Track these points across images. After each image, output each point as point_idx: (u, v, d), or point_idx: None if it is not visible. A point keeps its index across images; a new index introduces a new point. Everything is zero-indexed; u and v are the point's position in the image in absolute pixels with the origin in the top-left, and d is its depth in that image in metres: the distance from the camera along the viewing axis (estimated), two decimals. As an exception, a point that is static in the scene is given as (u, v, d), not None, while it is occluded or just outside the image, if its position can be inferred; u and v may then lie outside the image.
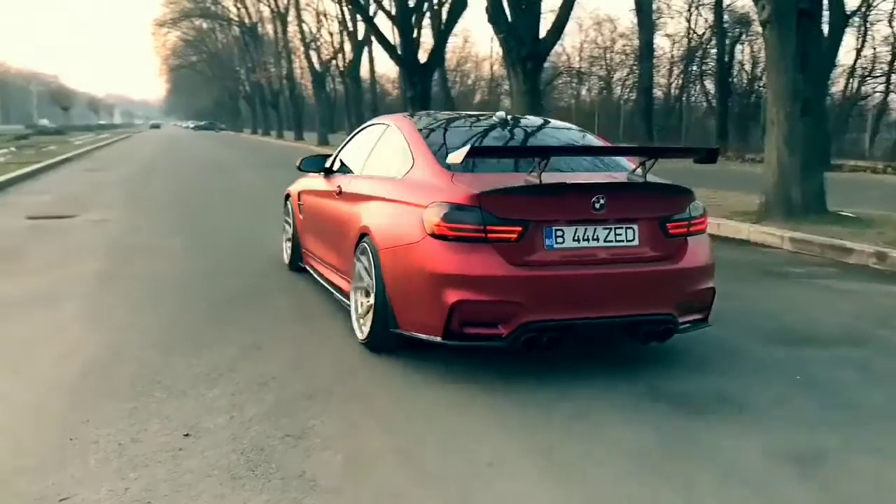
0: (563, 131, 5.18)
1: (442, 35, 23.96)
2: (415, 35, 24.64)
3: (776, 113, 9.34)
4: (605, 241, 3.84)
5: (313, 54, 43.89)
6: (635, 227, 3.90)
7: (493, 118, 5.07)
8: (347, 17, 35.55)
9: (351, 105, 39.70)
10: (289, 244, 6.57)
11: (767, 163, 9.67)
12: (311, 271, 5.87)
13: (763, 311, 5.37)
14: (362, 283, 4.38)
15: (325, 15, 41.45)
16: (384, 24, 27.42)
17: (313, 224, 5.84)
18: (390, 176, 4.52)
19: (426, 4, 26.44)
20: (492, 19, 15.78)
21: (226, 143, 44.98)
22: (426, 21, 27.55)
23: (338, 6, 35.96)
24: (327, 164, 5.72)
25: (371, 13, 28.24)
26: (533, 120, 5.56)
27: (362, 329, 4.30)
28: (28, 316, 4.87)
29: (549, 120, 5.61)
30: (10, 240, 8.02)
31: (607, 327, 3.95)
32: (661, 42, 54.71)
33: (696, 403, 3.50)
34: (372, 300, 4.17)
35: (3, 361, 3.96)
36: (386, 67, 69.52)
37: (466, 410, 3.39)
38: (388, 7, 26.00)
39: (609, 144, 5.32)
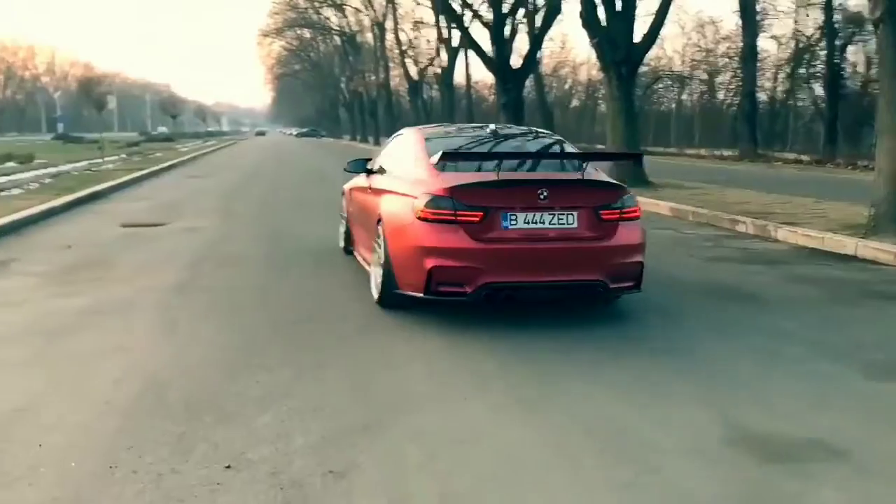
0: (536, 140, 6.46)
1: (536, 40, 23.65)
2: (508, 40, 24.41)
3: (888, 119, 8.65)
4: (549, 224, 5.02)
5: (409, 62, 44.27)
6: (575, 213, 5.04)
7: (487, 129, 6.31)
8: (443, 24, 35.69)
9: (445, 112, 39.77)
10: (343, 231, 7.97)
11: (878, 172, 8.96)
12: (355, 253, 7.08)
13: (869, 339, 4.88)
14: (379, 258, 5.52)
15: (422, 22, 41.74)
16: (479, 31, 27.35)
17: (355, 214, 7.17)
18: (401, 174, 5.83)
19: (522, 10, 26.20)
20: (585, 24, 15.44)
21: (325, 150, 45.88)
22: (522, 26, 27.32)
23: (433, 14, 36.19)
24: (368, 166, 6.86)
25: (466, 21, 28.24)
26: (516, 130, 7.27)
27: (375, 293, 5.60)
28: (101, 328, 4.91)
29: (534, 129, 7.37)
30: (101, 248, 8.24)
31: (550, 289, 5.21)
32: (766, 44, 52.66)
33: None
34: (378, 272, 5.52)
35: (65, 379, 3.96)
36: (483, 73, 69.41)
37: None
38: (483, 14, 25.90)
39: (578, 151, 6.28)
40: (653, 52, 38.66)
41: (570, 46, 58.05)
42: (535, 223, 5.00)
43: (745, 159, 28.14)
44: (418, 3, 40.40)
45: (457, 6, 29.17)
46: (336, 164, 25.01)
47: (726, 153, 31.58)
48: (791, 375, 4.12)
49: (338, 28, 58.79)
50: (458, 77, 62.50)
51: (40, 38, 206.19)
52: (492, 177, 5.03)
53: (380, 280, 5.48)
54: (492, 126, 6.40)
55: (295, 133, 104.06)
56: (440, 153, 5.17)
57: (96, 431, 3.26)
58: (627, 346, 4.65)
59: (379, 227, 5.60)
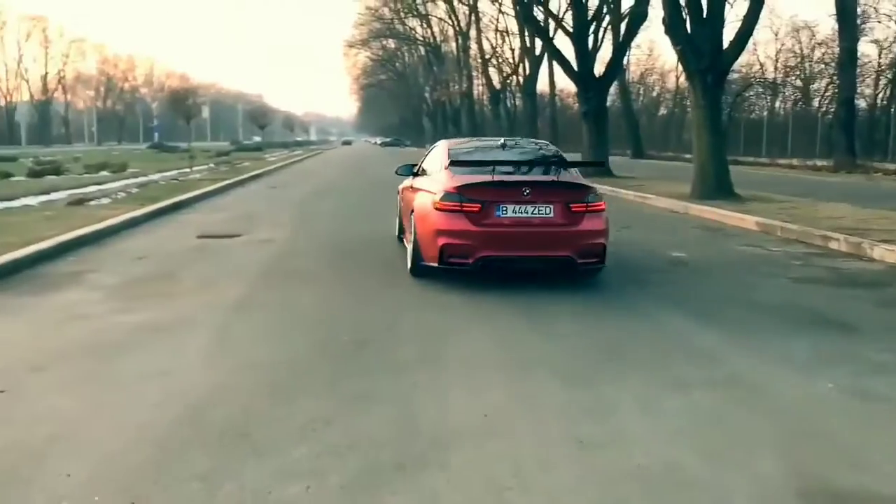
0: (533, 150, 8.31)
1: (619, 49, 23.11)
2: (592, 49, 23.94)
3: None
4: (532, 213, 6.68)
5: (492, 71, 44.14)
6: (551, 206, 6.71)
7: (498, 142, 8.22)
8: (525, 32, 35.38)
9: (525, 120, 39.43)
10: (397, 223, 9.77)
11: None
12: (403, 240, 8.65)
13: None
14: (411, 240, 7.36)
15: (506, 32, 41.56)
16: (563, 39, 26.97)
17: (402, 208, 9.01)
18: (430, 175, 7.68)
19: (607, 18, 25.69)
20: (669, 31, 14.92)
21: (405, 160, 45.97)
22: (607, 34, 26.79)
23: (517, 23, 36.00)
24: (414, 170, 8.54)
25: (550, 31, 27.93)
26: (521, 141, 8.97)
27: (408, 265, 7.42)
28: (153, 348, 4.87)
29: (536, 141, 9.33)
30: (174, 260, 8.33)
31: (531, 261, 6.88)
32: (866, 49, 50.11)
33: None
34: (410, 249, 7.42)
35: (106, 403, 3.90)
36: (567, 81, 68.63)
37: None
38: (566, 23, 25.53)
39: (558, 160, 7.65)
40: (744, 59, 37.43)
41: (658, 53, 56.73)
42: (521, 213, 6.70)
43: (840, 170, 26.74)
44: (502, 12, 40.27)
45: (540, 15, 28.97)
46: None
47: (820, 164, 30.11)
48: (887, 423, 3.71)
49: (422, 38, 59.22)
50: (543, 85, 62.29)
51: (140, 50, 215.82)
52: (489, 178, 6.76)
53: (410, 255, 7.36)
54: (502, 139, 8.42)
55: (379, 142, 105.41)
56: (449, 160, 7.20)
57: (126, 462, 3.16)
58: (694, 376, 4.31)
59: (412, 216, 7.42)
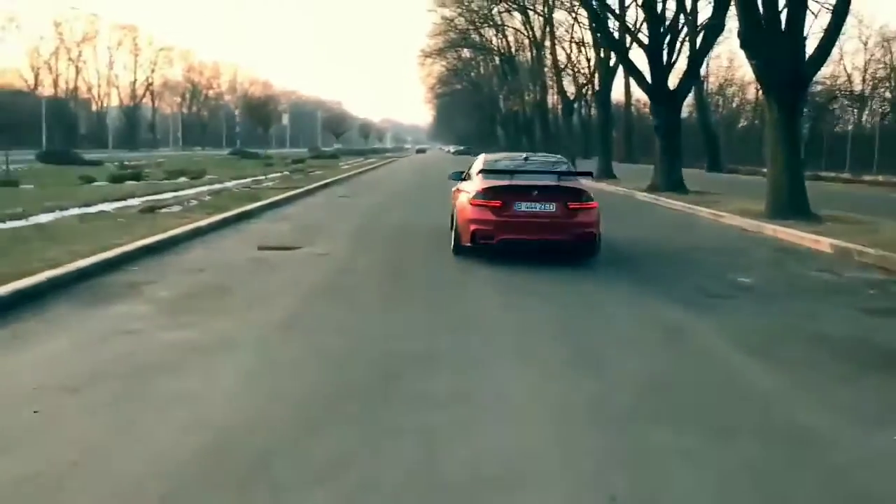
0: (547, 162, 10.75)
1: (694, 62, 22.52)
2: (666, 62, 23.40)
3: None
4: (539, 209, 9.02)
5: (566, 81, 43.75)
6: (554, 204, 9.03)
7: (522, 156, 11.16)
8: (601, 42, 34.87)
9: (599, 130, 38.86)
10: (450, 220, 11.03)
11: None
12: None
13: None
14: (452, 228, 10.07)
15: (582, 43, 41.10)
16: (638, 50, 26.47)
17: (452, 206, 10.90)
18: (471, 179, 10.16)
19: (684, 30, 25.09)
20: (744, 44, 14.43)
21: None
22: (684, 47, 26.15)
23: (590, 34, 35.54)
24: (462, 176, 11.07)
25: (626, 42, 27.46)
26: (539, 156, 11.62)
27: (451, 246, 9.87)
28: (192, 369, 4.88)
29: (552, 155, 11.85)
30: (230, 273, 8.42)
31: (536, 243, 9.16)
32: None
33: None
34: (453, 234, 9.92)
35: (134, 427, 3.89)
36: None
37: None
38: (643, 33, 25.05)
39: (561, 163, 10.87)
40: (829, 70, 36.04)
41: (739, 64, 55.13)
42: (531, 208, 9.13)
43: (932, 188, 25.43)
44: (577, 22, 39.85)
45: (613, 25, 28.52)
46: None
47: (909, 180, 28.69)
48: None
49: (496, 48, 59.15)
50: (619, 95, 61.37)
51: (225, 57, 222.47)
52: (507, 183, 9.30)
53: (452, 239, 10.06)
54: (525, 154, 11.54)
55: (452, 150, 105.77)
56: (480, 169, 10.09)
57: (142, 495, 3.13)
58: (743, 422, 4.05)
59: (454, 211, 10.36)
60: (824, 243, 11.27)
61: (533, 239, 9.15)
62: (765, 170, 15.66)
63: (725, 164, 41.30)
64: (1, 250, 8.61)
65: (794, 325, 6.53)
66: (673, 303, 7.21)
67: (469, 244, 9.31)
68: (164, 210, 14.43)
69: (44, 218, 12.68)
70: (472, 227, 9.16)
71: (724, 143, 45.12)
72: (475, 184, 9.61)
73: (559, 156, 11.83)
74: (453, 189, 11.24)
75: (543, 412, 4.21)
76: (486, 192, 9.16)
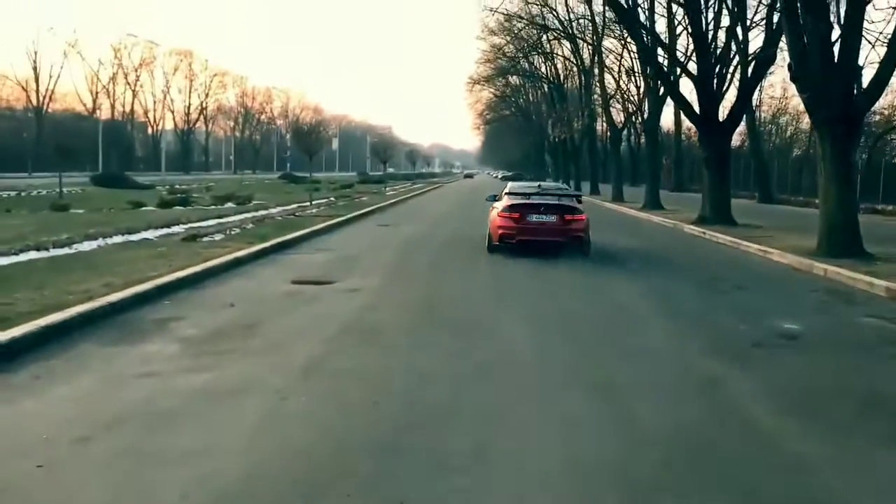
0: (553, 188, 15.88)
1: (744, 94, 22.06)
2: (716, 92, 22.99)
3: None
4: (545, 219, 13.60)
5: (614, 109, 43.41)
6: (555, 216, 13.59)
7: (537, 183, 17.01)
8: (649, 70, 34.51)
9: (646, 159, 38.37)
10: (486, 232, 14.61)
11: None
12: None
13: None
14: (486, 234, 14.61)
15: (631, 71, 40.75)
16: (685, 79, 26.10)
17: (489, 219, 14.67)
18: (500, 199, 14.69)
19: (735, 59, 24.67)
20: (794, 77, 14.06)
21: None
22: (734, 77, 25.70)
23: (638, 64, 35.25)
24: (496, 197, 15.29)
25: (674, 74, 27.14)
26: (550, 184, 18.31)
27: (485, 246, 14.18)
28: (203, 419, 4.76)
29: (559, 185, 20.84)
30: (260, 309, 8.36)
31: (543, 242, 13.67)
32: None
33: None
34: (486, 236, 14.39)
35: (134, 487, 3.78)
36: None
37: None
38: (692, 60, 24.70)
39: (565, 189, 17.40)
40: (887, 99, 35.03)
41: (792, 93, 54.00)
42: (539, 219, 13.49)
43: None
44: (627, 49, 39.54)
45: (662, 54, 28.21)
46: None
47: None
48: None
49: (545, 75, 59.06)
50: (669, 122, 60.68)
51: (278, 81, 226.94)
52: (523, 202, 13.77)
53: (487, 241, 14.26)
54: (539, 183, 17.49)
55: (500, 176, 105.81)
56: (506, 192, 14.80)
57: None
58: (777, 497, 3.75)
59: (488, 222, 14.42)
60: (879, 286, 10.78)
61: (540, 239, 13.74)
62: (818, 201, 15.11)
63: (777, 195, 40.34)
64: (40, 282, 8.73)
65: (843, 381, 6.18)
66: (712, 352, 6.90)
67: (497, 243, 13.95)
68: (205, 238, 14.55)
69: (87, 245, 12.90)
70: (500, 231, 13.81)
71: (776, 173, 44.12)
72: (503, 202, 14.26)
73: (564, 185, 18.85)
74: (490, 208, 15.43)
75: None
76: (510, 208, 13.83)
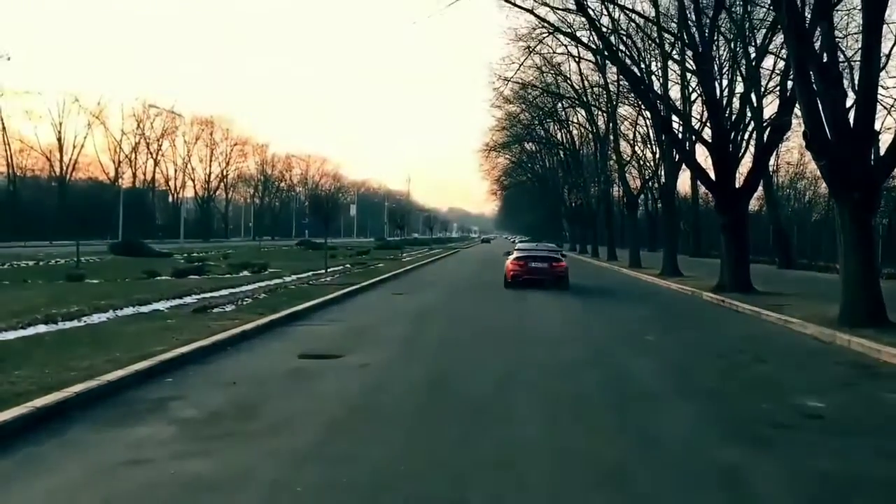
0: (545, 248, 27.83)
1: (760, 160, 21.97)
2: (731, 159, 22.92)
3: None
4: (539, 266, 23.49)
5: (629, 175, 43.54)
6: (545, 264, 23.53)
7: (536, 245, 31.44)
8: (663, 138, 34.66)
9: (663, 225, 38.21)
10: (502, 276, 23.39)
11: None
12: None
13: None
14: (503, 276, 24.31)
15: (647, 138, 40.99)
16: (701, 146, 26.09)
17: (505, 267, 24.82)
18: (511, 254, 25.56)
19: (751, 125, 24.69)
20: (810, 146, 13.88)
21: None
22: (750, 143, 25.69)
23: (653, 131, 35.42)
24: (509, 252, 26.45)
25: (689, 142, 27.18)
26: (543, 245, 30.82)
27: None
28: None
29: (549, 245, 31.69)
30: (263, 389, 8.13)
31: (538, 282, 23.05)
32: None
33: None
34: (503, 278, 23.45)
35: None
36: (711, 184, 66.32)
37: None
38: (706, 133, 24.75)
39: (554, 248, 28.69)
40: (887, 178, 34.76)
41: (808, 159, 54.00)
42: (536, 265, 23.36)
43: None
44: (642, 116, 39.80)
45: (677, 121, 28.30)
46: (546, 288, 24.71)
47: None
48: None
49: (560, 142, 59.57)
50: (686, 186, 60.66)
51: (298, 147, 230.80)
52: (526, 255, 24.20)
53: (503, 281, 23.65)
54: (537, 244, 32.91)
55: (516, 241, 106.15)
56: (516, 248, 27.12)
57: None
58: None
59: (503, 269, 24.23)
60: (908, 361, 10.40)
61: (536, 278, 22.67)
62: (838, 266, 14.78)
63: (798, 260, 39.87)
64: (44, 358, 8.61)
65: (871, 469, 5.80)
66: (730, 435, 6.57)
67: (510, 280, 22.95)
68: (216, 309, 14.42)
69: (96, 318, 12.79)
70: (511, 272, 23.03)
71: (796, 238, 43.72)
72: (513, 255, 24.17)
73: (553, 245, 32.07)
74: (504, 260, 25.32)
75: None
76: (517, 259, 23.40)
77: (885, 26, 14.03)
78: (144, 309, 14.39)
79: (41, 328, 11.44)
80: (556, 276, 22.95)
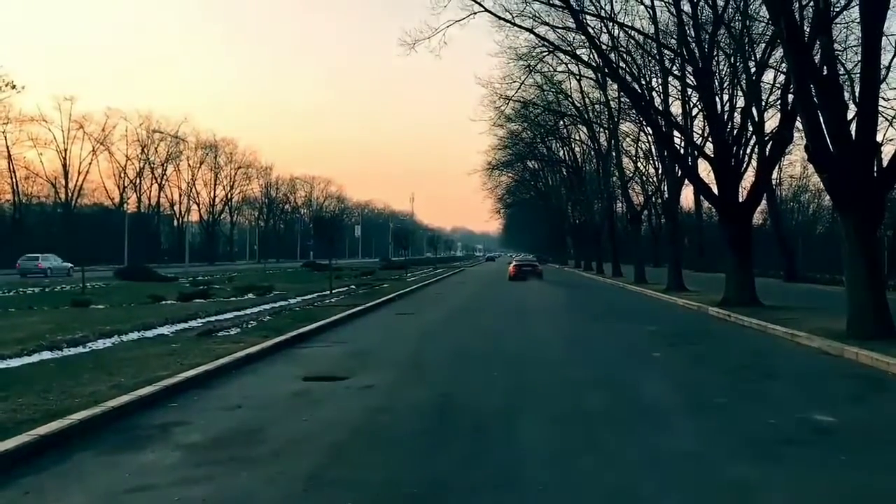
0: (531, 258, 60.15)
1: (763, 173, 21.96)
2: (734, 173, 22.91)
3: None
4: (525, 269, 47.00)
5: (632, 192, 43.57)
6: (530, 267, 47.57)
7: (525, 255, 77.35)
8: (665, 153, 34.70)
9: (667, 240, 38.15)
10: (508, 296, 32.08)
11: None
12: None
13: None
14: (507, 274, 48.57)
15: (650, 154, 41.05)
16: (704, 161, 26.11)
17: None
18: (511, 262, 54.79)
19: (753, 139, 24.71)
20: (812, 158, 13.87)
21: (546, 278, 45.76)
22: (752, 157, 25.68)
23: (655, 147, 35.44)
24: (511, 261, 62.47)
25: (691, 157, 27.23)
26: (531, 255, 75.02)
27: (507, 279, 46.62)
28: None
29: (530, 256, 67.48)
30: (267, 412, 8.08)
31: (525, 275, 45.85)
32: None
33: None
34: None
35: None
36: (715, 199, 66.33)
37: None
38: (707, 148, 24.77)
39: (535, 259, 56.86)
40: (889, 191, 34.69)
41: (812, 171, 54.00)
42: (525, 268, 46.95)
43: None
44: (644, 132, 39.87)
45: (679, 136, 28.34)
46: (553, 298, 24.51)
47: None
48: None
49: (563, 160, 59.71)
50: (690, 201, 60.63)
51: (303, 168, 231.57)
52: (518, 262, 49.67)
53: (507, 276, 46.56)
54: (526, 254, 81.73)
55: (521, 257, 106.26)
56: (515, 259, 59.16)
57: None
58: None
59: (508, 270, 49.15)
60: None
61: (523, 272, 45.49)
62: (844, 279, 14.71)
63: (803, 273, 39.74)
64: (47, 385, 8.59)
65: (885, 484, 5.74)
66: (738, 449, 6.50)
67: (511, 276, 45.39)
68: (221, 333, 14.39)
69: (101, 343, 12.76)
70: (512, 272, 46.10)
71: (801, 251, 43.61)
72: (513, 263, 49.87)
73: (534, 256, 66.85)
74: (507, 264, 58.94)
75: None
76: (514, 264, 48.43)
77: (884, 38, 14.01)
78: (149, 333, 14.36)
79: (46, 354, 11.42)
80: (535, 272, 45.86)
